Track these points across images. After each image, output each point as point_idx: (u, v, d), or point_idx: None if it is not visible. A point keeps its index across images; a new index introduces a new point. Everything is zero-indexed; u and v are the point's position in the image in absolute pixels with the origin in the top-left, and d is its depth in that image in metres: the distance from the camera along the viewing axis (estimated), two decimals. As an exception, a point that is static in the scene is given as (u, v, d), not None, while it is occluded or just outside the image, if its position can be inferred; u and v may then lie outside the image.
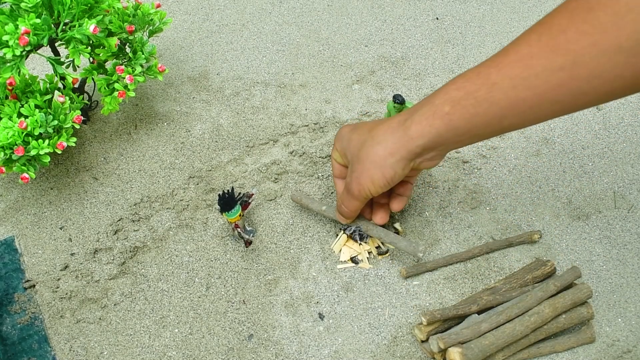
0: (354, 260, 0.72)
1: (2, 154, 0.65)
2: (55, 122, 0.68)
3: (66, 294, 0.70)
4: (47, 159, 0.68)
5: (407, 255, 0.72)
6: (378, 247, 0.73)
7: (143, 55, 0.75)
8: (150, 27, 0.78)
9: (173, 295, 0.70)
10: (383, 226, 0.73)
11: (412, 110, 0.58)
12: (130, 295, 0.70)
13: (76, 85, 0.80)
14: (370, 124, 0.62)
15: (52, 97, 0.71)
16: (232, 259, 0.73)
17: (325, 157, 0.81)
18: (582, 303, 0.65)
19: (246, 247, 0.73)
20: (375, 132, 0.60)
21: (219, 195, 0.67)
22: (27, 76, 0.71)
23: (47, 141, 0.67)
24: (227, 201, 0.67)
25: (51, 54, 0.73)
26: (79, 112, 0.71)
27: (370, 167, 0.59)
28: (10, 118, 0.67)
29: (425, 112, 0.56)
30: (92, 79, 0.77)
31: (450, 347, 0.60)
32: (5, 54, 0.64)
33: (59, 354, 0.66)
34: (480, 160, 0.81)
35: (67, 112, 0.70)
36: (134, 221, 0.76)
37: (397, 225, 0.74)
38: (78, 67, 0.72)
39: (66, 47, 0.68)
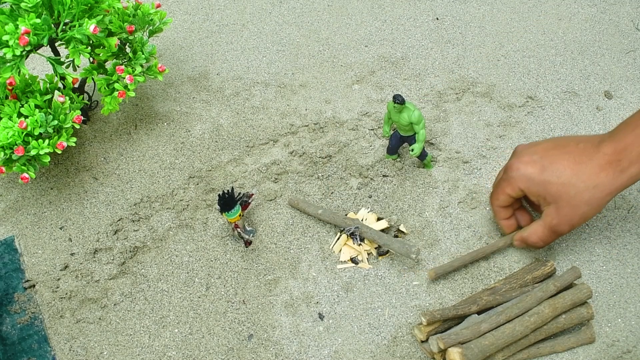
0: (353, 260, 0.72)
1: (2, 153, 0.65)
2: (55, 122, 0.68)
3: (66, 293, 0.70)
4: (47, 159, 0.68)
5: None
6: (378, 248, 0.73)
7: (143, 55, 0.75)
8: (150, 27, 0.78)
9: (173, 295, 0.70)
10: (383, 230, 0.73)
11: (621, 147, 0.58)
12: (130, 295, 0.70)
13: (76, 85, 0.80)
14: (565, 162, 0.60)
15: (52, 97, 0.71)
16: (232, 259, 0.73)
17: (325, 157, 0.81)
18: (582, 303, 0.65)
19: (246, 247, 0.73)
20: (583, 174, 0.59)
21: (219, 195, 0.67)
22: (27, 76, 0.71)
23: (47, 141, 0.67)
24: (227, 201, 0.67)
25: (51, 54, 0.73)
26: (79, 112, 0.71)
27: (584, 207, 0.60)
28: (10, 118, 0.67)
29: None
30: (92, 79, 0.77)
31: (450, 347, 0.60)
32: (5, 53, 0.64)
33: (58, 353, 0.66)
34: (480, 161, 0.81)
35: (67, 112, 0.70)
36: (134, 221, 0.76)
37: (401, 227, 0.74)
38: (78, 67, 0.73)
39: (66, 47, 0.68)
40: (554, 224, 0.62)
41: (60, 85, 0.74)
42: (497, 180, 0.68)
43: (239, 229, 0.71)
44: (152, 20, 0.76)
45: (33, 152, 0.66)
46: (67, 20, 0.68)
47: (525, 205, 0.72)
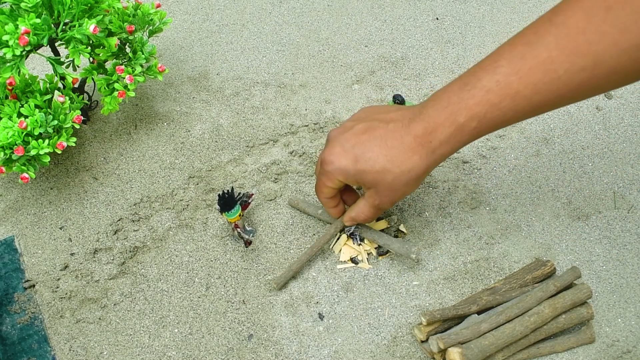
0: (353, 260, 0.72)
1: (2, 153, 0.65)
2: (55, 122, 0.69)
3: (66, 293, 0.70)
4: (47, 159, 0.68)
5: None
6: (378, 248, 0.73)
7: (143, 55, 0.75)
8: (150, 27, 0.78)
9: (173, 295, 0.70)
10: (383, 230, 0.73)
11: (432, 128, 0.57)
12: (130, 295, 0.70)
13: (76, 85, 0.80)
14: (377, 148, 0.60)
15: (52, 97, 0.71)
16: (232, 259, 0.73)
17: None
18: (582, 303, 0.65)
19: (246, 247, 0.73)
20: (396, 159, 0.59)
21: (219, 195, 0.67)
22: (27, 76, 0.71)
23: (47, 141, 0.68)
24: (227, 201, 0.67)
25: (51, 54, 0.73)
26: (78, 112, 0.71)
27: (403, 188, 0.61)
28: (10, 118, 0.67)
29: (451, 132, 0.56)
30: (92, 78, 0.77)
31: (450, 347, 0.60)
32: (5, 53, 0.64)
33: (58, 353, 0.66)
34: (480, 161, 0.81)
35: (67, 112, 0.70)
36: (133, 221, 0.76)
37: (401, 227, 0.74)
38: (78, 67, 0.73)
39: (66, 47, 0.68)
40: (377, 204, 0.64)
41: (60, 85, 0.74)
42: (317, 173, 0.67)
43: (238, 229, 0.71)
44: (152, 20, 0.76)
45: (33, 152, 0.66)
46: (67, 20, 0.68)
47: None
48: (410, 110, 0.60)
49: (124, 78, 0.74)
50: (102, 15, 0.71)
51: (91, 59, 0.75)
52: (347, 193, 0.71)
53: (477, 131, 0.56)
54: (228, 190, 0.67)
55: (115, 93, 0.74)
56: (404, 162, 0.58)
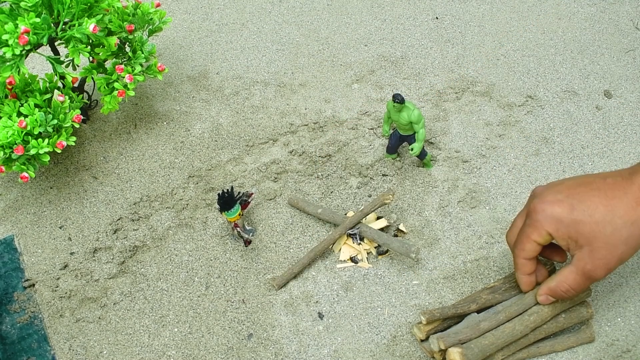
0: (353, 259, 0.72)
1: (2, 153, 0.65)
2: (55, 121, 0.68)
3: (66, 293, 0.70)
4: (47, 158, 0.68)
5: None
6: (377, 247, 0.73)
7: (143, 55, 0.75)
8: (150, 27, 0.78)
9: (172, 294, 0.70)
10: (382, 229, 0.73)
11: None
12: (129, 294, 0.70)
13: (76, 85, 0.80)
14: (596, 198, 0.54)
15: (52, 96, 0.71)
16: (232, 258, 0.73)
17: (325, 157, 0.81)
18: (581, 302, 0.65)
19: (246, 246, 0.73)
20: (619, 209, 0.53)
21: (219, 194, 0.67)
22: (26, 75, 0.71)
23: (46, 140, 0.67)
24: (227, 200, 0.67)
25: (51, 53, 0.73)
26: (78, 111, 0.71)
27: (622, 247, 0.54)
28: (10, 117, 0.67)
29: None
30: (92, 78, 0.77)
31: (450, 347, 0.60)
32: (5, 53, 0.64)
33: (58, 353, 0.66)
34: (480, 160, 0.81)
35: (67, 111, 0.70)
36: (133, 220, 0.76)
37: (400, 226, 0.74)
38: (78, 66, 0.72)
39: (66, 46, 0.68)
40: (589, 269, 0.55)
41: (59, 84, 0.74)
42: (515, 228, 0.61)
43: (238, 228, 0.71)
44: (151, 19, 0.76)
45: (33, 152, 0.66)
46: (66, 20, 0.68)
47: (540, 259, 0.64)
48: (629, 168, 0.56)
49: (124, 77, 0.74)
50: (101, 15, 0.71)
51: (91, 58, 0.75)
52: (539, 267, 0.62)
53: None
54: (228, 190, 0.67)
55: (115, 92, 0.74)
56: (628, 213, 0.52)
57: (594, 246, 0.54)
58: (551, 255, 0.62)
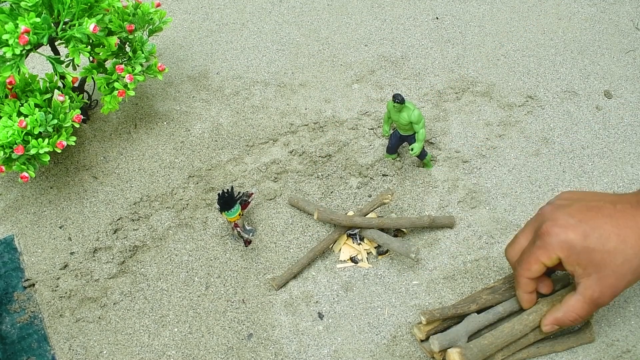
0: (353, 259, 0.72)
1: (2, 152, 0.65)
2: (55, 121, 0.68)
3: (66, 293, 0.70)
4: (47, 158, 0.68)
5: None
6: (377, 247, 0.73)
7: (143, 55, 0.75)
8: (150, 26, 0.78)
9: (172, 294, 0.70)
10: (381, 229, 0.73)
11: None
12: (129, 294, 0.70)
13: (76, 84, 0.80)
14: (609, 226, 0.54)
15: (52, 96, 0.71)
16: (232, 258, 0.73)
17: (325, 157, 0.81)
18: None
19: (246, 246, 0.73)
20: (630, 238, 0.53)
21: (219, 194, 0.67)
22: (26, 75, 0.71)
23: (46, 140, 0.67)
24: (227, 200, 0.67)
25: (51, 53, 0.73)
26: (78, 111, 0.71)
27: (629, 276, 0.54)
28: (10, 117, 0.67)
29: None
30: (92, 78, 0.77)
31: (449, 348, 0.60)
32: (5, 52, 0.64)
33: (58, 352, 0.66)
34: (480, 160, 0.81)
35: (67, 111, 0.70)
36: (133, 220, 0.76)
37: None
38: (78, 66, 0.72)
39: (66, 46, 0.68)
40: (596, 297, 0.56)
41: (60, 84, 0.74)
42: (517, 245, 0.61)
43: (238, 228, 0.71)
44: (151, 19, 0.76)
45: (33, 151, 0.66)
46: (66, 20, 0.68)
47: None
48: (634, 193, 0.57)
49: (124, 77, 0.74)
50: (102, 15, 0.71)
51: (91, 58, 0.75)
52: (542, 279, 0.62)
53: None
54: (228, 190, 0.67)
55: (115, 92, 0.74)
56: (638, 243, 0.53)
57: (603, 274, 0.54)
58: (538, 284, 0.62)
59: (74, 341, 0.67)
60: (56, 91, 0.71)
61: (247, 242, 0.73)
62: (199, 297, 0.70)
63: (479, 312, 0.64)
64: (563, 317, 0.59)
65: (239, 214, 0.69)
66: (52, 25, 0.67)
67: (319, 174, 0.80)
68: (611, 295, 0.55)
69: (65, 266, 0.72)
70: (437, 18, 1.01)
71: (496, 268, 0.71)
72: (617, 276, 0.54)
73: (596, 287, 0.55)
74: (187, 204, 0.77)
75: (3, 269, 0.72)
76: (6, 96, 0.70)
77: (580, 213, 0.56)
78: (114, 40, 0.72)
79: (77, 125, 0.71)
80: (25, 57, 0.66)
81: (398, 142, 0.77)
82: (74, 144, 0.71)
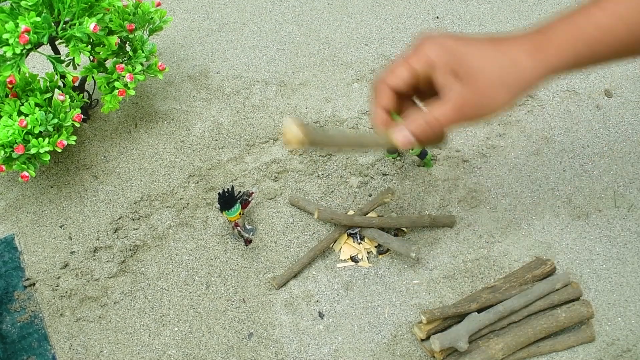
0: (353, 259, 0.72)
1: (2, 152, 0.65)
2: (56, 120, 0.68)
3: (66, 292, 0.70)
4: (47, 157, 0.68)
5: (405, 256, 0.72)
6: (378, 246, 0.73)
7: (143, 54, 0.75)
8: (151, 26, 0.78)
9: (173, 293, 0.70)
10: (382, 229, 0.73)
11: (547, 36, 0.49)
12: (130, 293, 0.70)
13: (76, 84, 0.80)
14: (487, 41, 0.50)
15: (52, 96, 0.71)
16: (232, 257, 0.73)
17: (325, 156, 0.81)
18: (582, 302, 0.65)
19: (246, 245, 0.73)
20: (503, 47, 0.49)
21: (219, 193, 0.67)
22: (27, 74, 0.71)
23: (47, 139, 0.67)
24: (227, 200, 0.67)
25: (51, 53, 0.73)
26: (79, 111, 0.71)
27: (501, 90, 0.49)
28: (10, 116, 0.67)
29: (567, 39, 0.49)
30: (93, 77, 0.77)
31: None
32: (5, 52, 0.64)
33: (58, 352, 0.66)
34: (481, 159, 0.81)
35: (67, 110, 0.70)
36: (134, 219, 0.76)
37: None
38: (78, 65, 0.72)
39: (66, 46, 0.68)
40: (464, 105, 0.49)
41: (60, 83, 0.74)
42: (378, 81, 0.53)
43: (239, 228, 0.71)
44: (152, 18, 0.76)
45: (33, 151, 0.66)
46: (67, 19, 0.68)
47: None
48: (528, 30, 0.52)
49: (124, 76, 0.74)
50: (102, 14, 0.71)
51: (91, 58, 0.75)
52: (413, 111, 0.53)
53: (591, 53, 0.49)
54: (228, 189, 0.67)
55: (116, 91, 0.74)
56: (513, 55, 0.49)
57: (476, 84, 0.49)
58: (403, 111, 0.54)
59: (75, 340, 0.67)
60: (56, 90, 0.71)
61: (248, 242, 0.73)
62: (200, 296, 0.70)
63: (479, 311, 0.64)
64: (423, 125, 0.50)
65: (240, 213, 0.69)
66: (53, 24, 0.67)
67: (320, 173, 0.80)
68: (479, 108, 0.49)
69: (66, 265, 0.72)
70: (437, 17, 1.01)
71: (497, 267, 0.71)
72: (487, 86, 0.49)
73: (467, 94, 0.49)
74: (188, 204, 0.77)
75: (3, 268, 0.72)
76: (7, 95, 0.70)
77: (458, 36, 0.51)
78: (114, 39, 0.72)
79: (77, 125, 0.71)
80: (26, 57, 0.66)
81: (398, 141, 0.77)
82: (74, 143, 0.71)
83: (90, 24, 0.66)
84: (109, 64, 0.77)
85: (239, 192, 0.71)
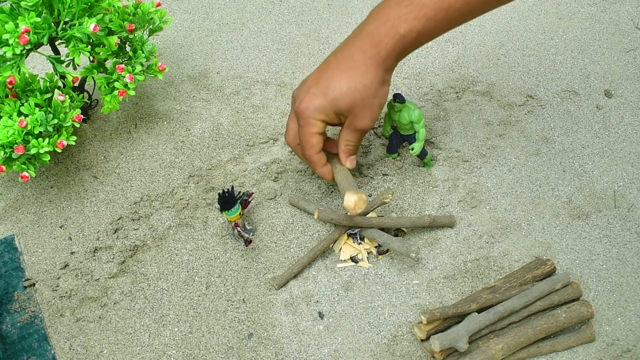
0: (353, 259, 0.72)
1: (2, 152, 0.65)
2: (55, 120, 0.68)
3: (66, 292, 0.70)
4: (47, 158, 0.68)
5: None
6: (378, 247, 0.73)
7: (143, 54, 0.75)
8: (151, 26, 0.78)
9: (173, 294, 0.70)
10: (382, 229, 0.73)
11: (376, 41, 0.62)
12: (130, 294, 0.70)
13: (76, 84, 0.80)
14: (337, 76, 0.64)
15: (52, 96, 0.71)
16: (232, 257, 0.73)
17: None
18: (582, 302, 0.65)
19: (246, 245, 0.73)
20: (355, 76, 0.64)
21: (219, 194, 0.67)
22: (27, 75, 0.71)
23: (47, 140, 0.68)
24: (227, 200, 0.67)
25: (51, 53, 0.73)
26: (79, 111, 0.71)
27: (374, 100, 0.65)
28: (10, 117, 0.67)
29: (394, 42, 0.62)
30: (92, 77, 0.77)
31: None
32: (5, 52, 0.64)
33: (58, 352, 0.66)
34: (480, 160, 0.81)
35: (67, 110, 0.70)
36: (134, 220, 0.76)
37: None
38: (78, 65, 0.72)
39: (66, 46, 0.68)
40: (357, 124, 0.67)
41: (60, 84, 0.74)
42: (291, 131, 0.70)
43: (239, 228, 0.71)
44: (152, 19, 0.76)
45: (33, 151, 0.66)
46: (67, 19, 0.68)
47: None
48: (352, 34, 0.66)
49: (124, 77, 0.74)
50: (102, 14, 0.71)
51: (91, 58, 0.75)
52: (328, 143, 0.72)
53: (417, 41, 0.63)
54: (228, 189, 0.67)
55: (116, 92, 0.74)
56: (363, 77, 0.63)
57: (355, 110, 0.65)
58: (330, 147, 0.72)
59: (75, 341, 0.67)
60: (56, 91, 0.71)
61: (248, 242, 0.73)
62: (200, 296, 0.70)
63: (479, 311, 0.64)
64: (345, 148, 0.69)
65: (240, 214, 0.69)
66: (53, 24, 0.67)
67: (320, 173, 0.80)
68: (370, 119, 0.66)
69: (66, 266, 0.72)
70: (437, 17, 1.00)
71: (496, 267, 0.71)
72: (365, 107, 0.65)
73: (355, 119, 0.66)
74: (188, 204, 0.77)
75: (3, 268, 0.72)
76: (6, 96, 0.70)
77: (314, 80, 0.66)
78: (114, 39, 0.72)
79: (77, 125, 0.71)
80: (26, 57, 0.66)
81: (399, 141, 0.78)
82: (74, 143, 0.71)
83: (90, 25, 0.66)
84: (109, 64, 0.77)
85: (239, 192, 0.71)
